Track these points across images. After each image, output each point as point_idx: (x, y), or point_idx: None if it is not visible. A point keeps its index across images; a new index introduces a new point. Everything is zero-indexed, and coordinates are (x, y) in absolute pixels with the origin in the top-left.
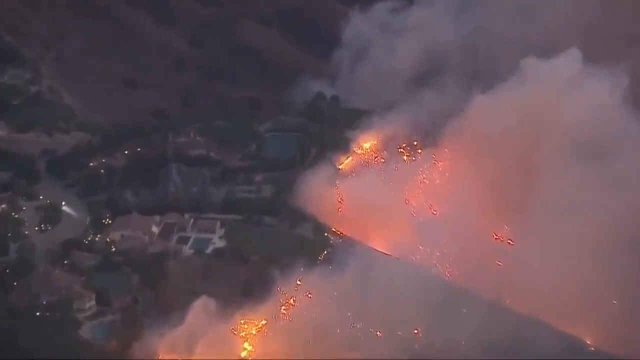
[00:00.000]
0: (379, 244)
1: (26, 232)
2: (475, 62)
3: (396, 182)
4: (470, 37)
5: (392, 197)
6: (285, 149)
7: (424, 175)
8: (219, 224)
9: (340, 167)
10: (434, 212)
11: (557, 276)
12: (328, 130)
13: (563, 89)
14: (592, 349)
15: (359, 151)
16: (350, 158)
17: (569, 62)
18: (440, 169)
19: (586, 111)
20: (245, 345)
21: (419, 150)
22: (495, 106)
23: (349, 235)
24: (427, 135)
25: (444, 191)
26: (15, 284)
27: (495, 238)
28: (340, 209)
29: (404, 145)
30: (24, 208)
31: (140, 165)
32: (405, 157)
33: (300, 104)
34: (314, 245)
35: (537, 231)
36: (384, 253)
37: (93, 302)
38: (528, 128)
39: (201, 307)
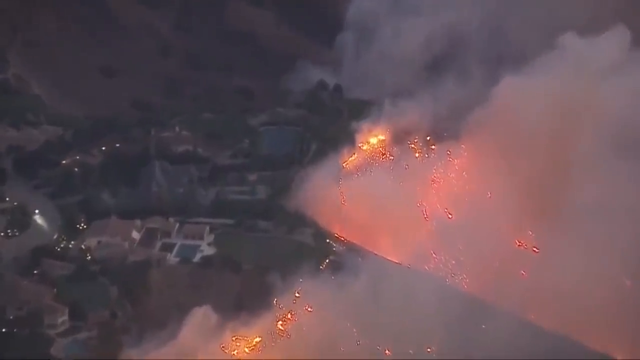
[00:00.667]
0: (387, 251)
1: None
2: (500, 44)
3: (407, 182)
4: (493, 15)
5: (402, 198)
6: (282, 145)
7: (439, 174)
8: (207, 229)
9: (344, 165)
10: (450, 216)
11: (588, 288)
12: (330, 124)
13: (606, 74)
14: None
15: (365, 147)
16: (355, 155)
17: (614, 42)
18: (457, 167)
19: (631, 101)
20: None
21: (433, 146)
22: (523, 93)
23: (353, 241)
24: (443, 129)
25: (461, 192)
26: None
27: (519, 245)
28: (344, 212)
29: (415, 140)
30: None
31: (119, 163)
32: (417, 154)
33: (299, 94)
34: (314, 252)
35: (566, 237)
36: (393, 261)
37: (66, 317)
38: (562, 119)
39: (189, 322)
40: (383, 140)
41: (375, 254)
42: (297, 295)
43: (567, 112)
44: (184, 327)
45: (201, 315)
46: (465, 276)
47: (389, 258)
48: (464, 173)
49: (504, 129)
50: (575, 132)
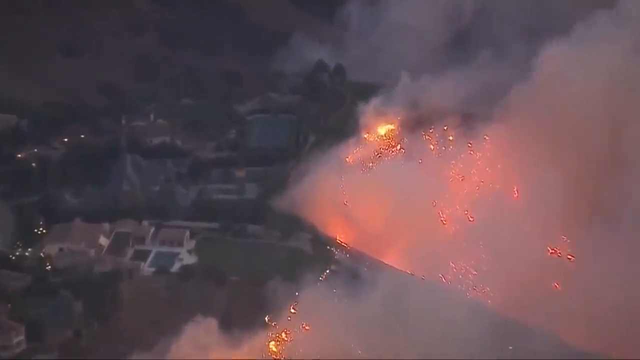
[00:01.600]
0: (398, 260)
1: None
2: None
3: (420, 179)
4: None
5: (415, 198)
6: (275, 136)
7: (458, 170)
8: (188, 234)
9: (347, 159)
10: (471, 219)
11: (632, 304)
12: (331, 111)
13: None
14: None
15: (371, 138)
16: (360, 147)
17: None
18: (479, 161)
19: None
20: None
21: (451, 138)
22: (566, 69)
23: (358, 248)
24: (462, 117)
25: (484, 191)
26: None
27: (551, 253)
28: (347, 214)
29: (430, 130)
30: None
31: (84, 157)
32: (432, 147)
33: (294, 78)
34: (312, 261)
35: (607, 244)
36: (405, 272)
37: (22, 337)
38: (616, 100)
39: (166, 343)
40: (393, 131)
41: (384, 263)
42: (292, 311)
43: (623, 92)
44: (161, 349)
45: (181, 336)
46: (488, 289)
47: (399, 268)
48: (488, 169)
49: (538, 114)
50: (632, 116)
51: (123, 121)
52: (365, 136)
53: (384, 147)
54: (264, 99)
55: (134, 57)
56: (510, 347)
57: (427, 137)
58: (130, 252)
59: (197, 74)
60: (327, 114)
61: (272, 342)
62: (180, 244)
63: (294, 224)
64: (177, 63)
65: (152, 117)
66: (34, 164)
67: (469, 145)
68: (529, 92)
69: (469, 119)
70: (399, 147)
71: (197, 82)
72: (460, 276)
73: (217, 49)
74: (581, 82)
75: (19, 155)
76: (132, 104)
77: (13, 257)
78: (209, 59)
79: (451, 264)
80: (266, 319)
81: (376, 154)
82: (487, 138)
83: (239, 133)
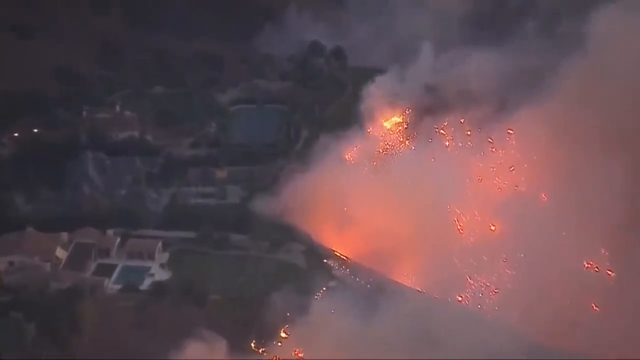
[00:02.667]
0: (406, 276)
1: None
2: None
3: (433, 181)
4: None
5: (427, 203)
6: (262, 130)
7: (477, 170)
8: (160, 245)
9: (347, 157)
10: (492, 228)
11: None
12: (328, 102)
13: None
14: None
15: (375, 133)
16: (363, 144)
17: None
18: (502, 160)
19: None
20: None
21: (469, 132)
22: (623, 46)
23: (360, 261)
24: (482, 109)
25: (508, 195)
26: None
27: (588, 267)
28: (347, 222)
29: (445, 123)
30: None
31: (38, 155)
32: (447, 143)
33: (285, 62)
34: (306, 277)
35: None
36: (415, 290)
37: None
38: None
39: None
40: (401, 124)
41: (390, 280)
42: (283, 335)
43: None
44: None
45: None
46: (513, 310)
47: (408, 285)
48: (512, 168)
49: (580, 103)
50: None
51: (84, 113)
52: (369, 130)
53: (390, 143)
54: (249, 86)
55: (96, 40)
56: None
57: (441, 131)
58: (92, 266)
59: (169, 58)
60: (323, 104)
61: None
62: (151, 257)
63: (285, 233)
64: (147, 45)
65: (117, 108)
66: None
67: (490, 141)
68: (571, 76)
69: (491, 109)
70: (408, 143)
71: (170, 67)
72: (480, 295)
73: (193, 28)
74: (623, 71)
75: None
76: (94, 93)
77: None
78: (184, 41)
79: (469, 280)
80: (252, 344)
81: (381, 151)
82: (511, 132)
83: (220, 126)
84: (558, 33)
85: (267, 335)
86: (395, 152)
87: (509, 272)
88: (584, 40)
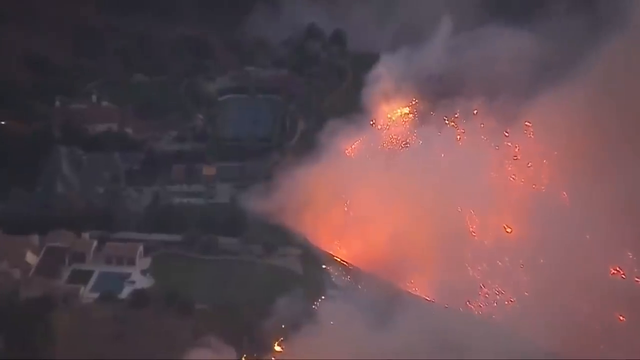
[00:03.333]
0: (414, 284)
1: None
2: None
3: (443, 179)
4: None
5: (436, 203)
6: (254, 123)
7: (492, 167)
8: (141, 249)
9: (347, 152)
10: (508, 230)
11: None
12: (326, 91)
13: None
14: None
15: (379, 126)
16: (365, 138)
17: None
18: (520, 155)
19: None
20: None
21: (482, 124)
22: None
23: (362, 267)
24: (497, 98)
25: (526, 194)
26: None
27: (614, 273)
28: (348, 224)
29: (456, 115)
30: None
31: (7, 150)
32: (458, 136)
33: (279, 47)
34: (303, 285)
35: None
36: (424, 298)
37: None
38: None
39: None
40: (408, 115)
41: (396, 288)
42: (277, 349)
43: None
44: None
45: None
46: (531, 321)
47: (416, 293)
48: (530, 164)
49: (611, 90)
50: None
51: (57, 103)
52: (372, 122)
53: (396, 136)
54: (239, 74)
55: (71, 24)
56: None
57: (452, 123)
58: (66, 272)
59: (151, 44)
60: (321, 93)
61: None
62: (132, 263)
63: (280, 236)
64: (126, 30)
65: (94, 98)
66: None
67: (506, 134)
68: (601, 63)
69: (507, 99)
70: (414, 137)
71: (152, 53)
72: (495, 304)
73: (176, 10)
74: None
75: None
76: (68, 82)
77: None
78: (167, 24)
79: (482, 288)
80: (243, 359)
81: (386, 145)
82: (529, 125)
83: (208, 118)
84: (592, 12)
85: (259, 350)
86: (401, 147)
87: (527, 279)
88: (622, 21)
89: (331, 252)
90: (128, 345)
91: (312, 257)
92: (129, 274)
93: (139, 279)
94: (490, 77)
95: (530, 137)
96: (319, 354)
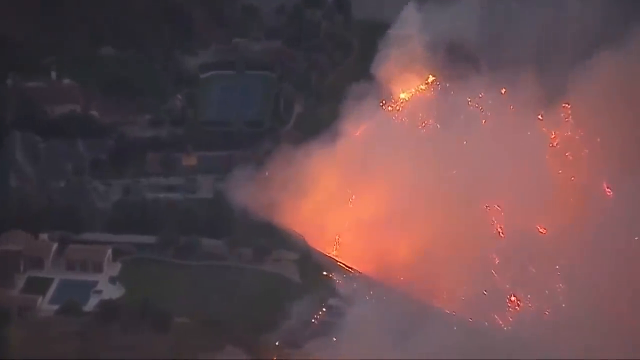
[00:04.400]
0: (431, 293)
1: None
2: None
3: (465, 170)
4: None
5: (456, 199)
6: (243, 104)
7: (521, 157)
8: (109, 253)
9: (352, 138)
10: (541, 231)
11: None
12: (327, 67)
13: None
14: None
15: (390, 107)
16: (373, 121)
17: None
18: (554, 144)
19: None
20: None
21: (512, 106)
22: None
23: (370, 273)
24: (531, 76)
25: (562, 188)
26: None
27: None
28: (352, 222)
29: (480, 95)
30: None
31: None
32: (483, 120)
33: (272, 15)
34: (300, 294)
35: None
36: (442, 310)
37: None
38: None
39: None
40: (424, 93)
41: (410, 298)
42: None
43: None
44: None
45: None
46: (569, 338)
47: (435, 305)
48: (568, 154)
49: None
50: None
51: (9, 82)
52: (381, 104)
53: (409, 120)
54: (225, 47)
55: None
56: None
57: (475, 105)
58: (21, 280)
59: (122, 12)
60: (322, 69)
61: None
62: (99, 269)
63: (273, 237)
64: None
65: (53, 75)
66: None
67: (540, 118)
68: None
69: (541, 76)
70: (432, 120)
71: (123, 23)
72: (526, 318)
73: None
74: None
75: None
76: (23, 57)
77: None
78: None
79: (512, 297)
80: None
81: (398, 130)
82: (567, 107)
83: (188, 99)
84: None
85: None
86: (416, 132)
87: (563, 287)
88: None
89: (334, 257)
90: None
91: (311, 263)
92: (95, 282)
93: (107, 288)
94: (521, 50)
95: (568, 122)
96: None
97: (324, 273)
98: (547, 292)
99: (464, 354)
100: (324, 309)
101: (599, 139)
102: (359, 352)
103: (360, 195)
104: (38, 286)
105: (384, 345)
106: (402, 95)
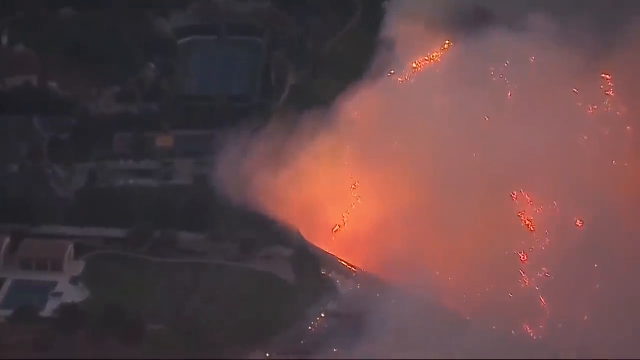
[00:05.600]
0: (446, 295)
1: None
2: None
3: (488, 153)
4: None
5: (478, 187)
6: (227, 76)
7: (554, 138)
8: (71, 249)
9: (356, 116)
10: (578, 224)
11: None
12: (327, 32)
13: None
14: None
15: (399, 79)
16: (381, 95)
17: None
18: (593, 122)
19: None
20: None
21: (542, 78)
22: None
23: (376, 272)
24: (564, 42)
25: (601, 175)
26: None
27: None
28: (356, 213)
29: (505, 64)
30: None
31: None
32: (509, 93)
33: None
34: (295, 297)
35: None
36: (459, 315)
37: None
38: None
39: None
40: (439, 65)
41: (424, 302)
42: None
43: None
44: None
45: None
46: (612, 350)
47: (451, 309)
48: (607, 132)
49: None
50: None
51: None
52: (390, 74)
53: (422, 93)
54: (205, 8)
55: None
56: None
57: (499, 76)
58: None
59: None
60: (319, 35)
61: None
62: (58, 268)
63: (262, 230)
64: None
65: (4, 40)
66: None
67: (575, 92)
68: None
69: (578, 42)
70: (448, 93)
71: None
72: (560, 326)
73: None
74: None
75: None
76: None
77: None
78: None
79: (543, 302)
80: None
81: (408, 106)
82: (607, 79)
83: (162, 70)
84: None
85: None
86: (430, 108)
87: (600, 286)
88: None
89: (332, 253)
90: None
91: (307, 260)
92: (55, 284)
93: (68, 290)
94: (553, 11)
95: (608, 95)
96: None
97: (322, 272)
98: (585, 296)
99: None
100: (322, 315)
101: None
102: None
103: (364, 182)
104: None
105: (390, 353)
106: (414, 65)
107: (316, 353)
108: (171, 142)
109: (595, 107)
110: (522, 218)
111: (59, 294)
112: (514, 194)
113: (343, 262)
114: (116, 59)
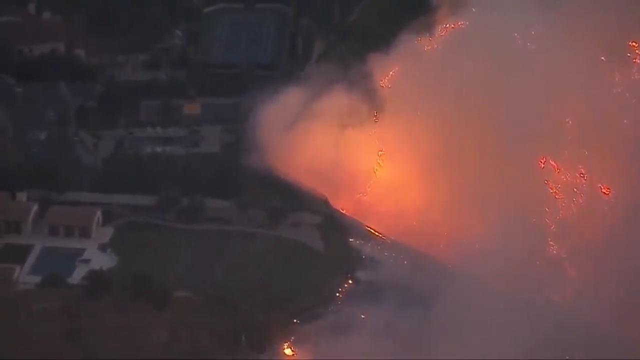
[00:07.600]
0: (472, 263)
1: None
2: None
3: (514, 117)
4: None
5: (503, 152)
6: (254, 43)
7: (584, 101)
8: (99, 215)
9: (383, 83)
10: (605, 192)
11: None
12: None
13: None
14: None
15: (427, 47)
16: (409, 63)
17: None
18: (620, 90)
19: None
20: None
21: (568, 45)
22: None
23: (402, 241)
24: (589, 7)
25: (628, 143)
26: None
27: None
28: (383, 181)
29: (532, 31)
30: None
31: None
32: (534, 63)
33: None
34: (322, 265)
35: None
36: (486, 285)
37: None
38: None
39: None
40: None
41: (450, 271)
42: (287, 352)
43: None
44: None
45: None
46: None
47: (477, 278)
48: (635, 101)
49: None
50: None
51: None
52: (418, 41)
53: (448, 59)
54: None
55: None
56: None
57: (524, 43)
58: None
59: None
60: (346, 1)
61: None
62: (86, 235)
63: (290, 198)
64: None
65: (32, 7)
66: None
67: (602, 59)
68: None
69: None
70: (474, 59)
71: None
72: (588, 299)
73: None
74: None
75: None
76: None
77: None
78: None
79: (570, 276)
80: None
81: (437, 74)
82: (634, 46)
83: (189, 37)
84: None
85: (261, 353)
86: (457, 75)
87: (631, 259)
88: None
89: (360, 220)
90: (81, 347)
91: (334, 227)
92: (82, 250)
93: (96, 257)
94: None
95: (636, 62)
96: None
97: (350, 239)
98: (611, 264)
99: (514, 337)
100: (350, 282)
101: None
102: (388, 330)
103: (392, 150)
104: (16, 254)
105: (415, 322)
106: (440, 33)
107: (342, 318)
108: (198, 109)
109: (622, 74)
110: (549, 185)
111: (87, 261)
112: (540, 162)
113: (370, 229)
114: (143, 26)
